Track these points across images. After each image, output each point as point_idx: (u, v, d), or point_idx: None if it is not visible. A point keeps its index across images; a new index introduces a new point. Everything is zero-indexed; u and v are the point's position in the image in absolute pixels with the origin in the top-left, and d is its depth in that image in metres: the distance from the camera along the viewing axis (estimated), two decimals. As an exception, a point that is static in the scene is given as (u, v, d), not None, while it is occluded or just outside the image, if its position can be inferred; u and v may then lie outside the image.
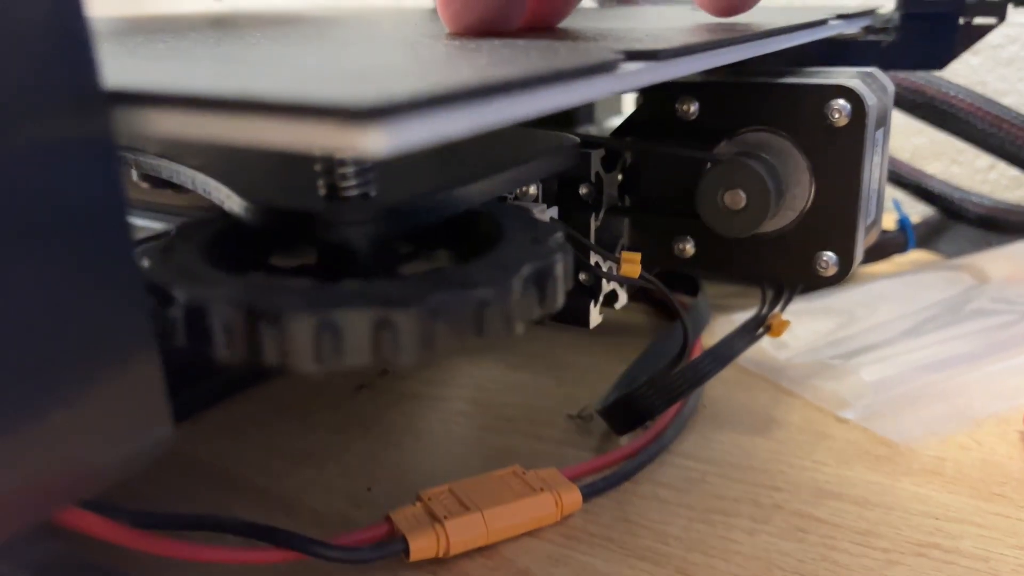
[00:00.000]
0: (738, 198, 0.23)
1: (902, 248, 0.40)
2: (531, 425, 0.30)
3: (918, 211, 0.45)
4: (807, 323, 0.35)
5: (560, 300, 0.16)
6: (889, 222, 0.40)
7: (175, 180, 0.22)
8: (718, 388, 0.32)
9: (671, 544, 0.23)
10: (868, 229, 0.25)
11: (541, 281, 0.16)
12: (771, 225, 0.25)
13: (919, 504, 0.24)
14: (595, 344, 0.36)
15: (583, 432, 0.29)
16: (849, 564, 0.22)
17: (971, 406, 0.29)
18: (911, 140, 0.57)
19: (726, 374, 0.32)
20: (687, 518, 0.24)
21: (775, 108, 0.24)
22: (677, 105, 0.25)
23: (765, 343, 0.33)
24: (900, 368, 0.30)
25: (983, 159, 0.55)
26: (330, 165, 0.18)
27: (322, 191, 0.18)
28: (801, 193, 0.24)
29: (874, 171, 0.25)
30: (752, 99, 0.24)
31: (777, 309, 0.27)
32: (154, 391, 0.12)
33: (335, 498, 0.26)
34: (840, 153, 0.23)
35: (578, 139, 0.24)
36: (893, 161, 0.42)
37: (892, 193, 0.42)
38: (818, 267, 0.24)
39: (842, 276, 0.24)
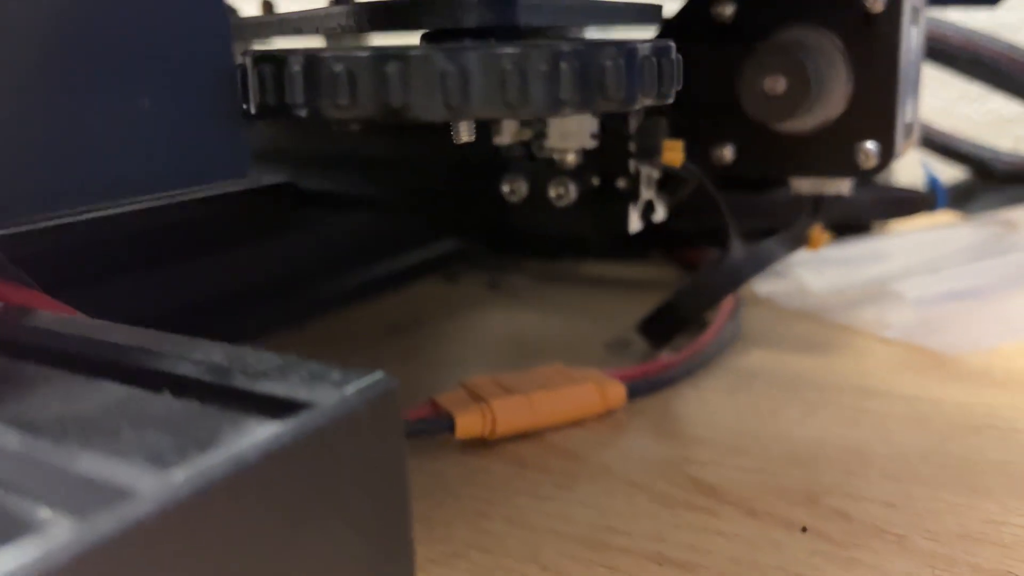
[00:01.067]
0: (779, 83, 0.23)
1: (932, 206, 0.40)
2: (569, 352, 0.29)
3: (948, 175, 0.45)
4: (837, 271, 0.34)
5: (675, 85, 0.17)
6: (918, 182, 0.40)
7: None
8: (755, 322, 0.31)
9: (719, 431, 0.23)
10: (906, 130, 0.26)
11: (661, 58, 0.16)
12: (811, 120, 0.25)
13: (971, 398, 0.24)
14: (629, 295, 0.35)
15: (621, 356, 0.29)
16: (904, 443, 0.21)
17: (1017, 321, 0.28)
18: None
19: (762, 311, 0.32)
20: (735, 412, 0.24)
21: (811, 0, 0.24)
22: (713, 9, 0.25)
23: (799, 280, 0.33)
24: (941, 289, 0.30)
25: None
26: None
27: None
28: (839, 87, 0.24)
29: (910, 67, 0.25)
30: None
31: (816, 220, 0.27)
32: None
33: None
34: (877, 41, 0.24)
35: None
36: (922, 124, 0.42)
37: (919, 156, 0.42)
38: (860, 157, 0.24)
39: (883, 166, 0.24)
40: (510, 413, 0.22)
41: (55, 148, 0.11)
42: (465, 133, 0.19)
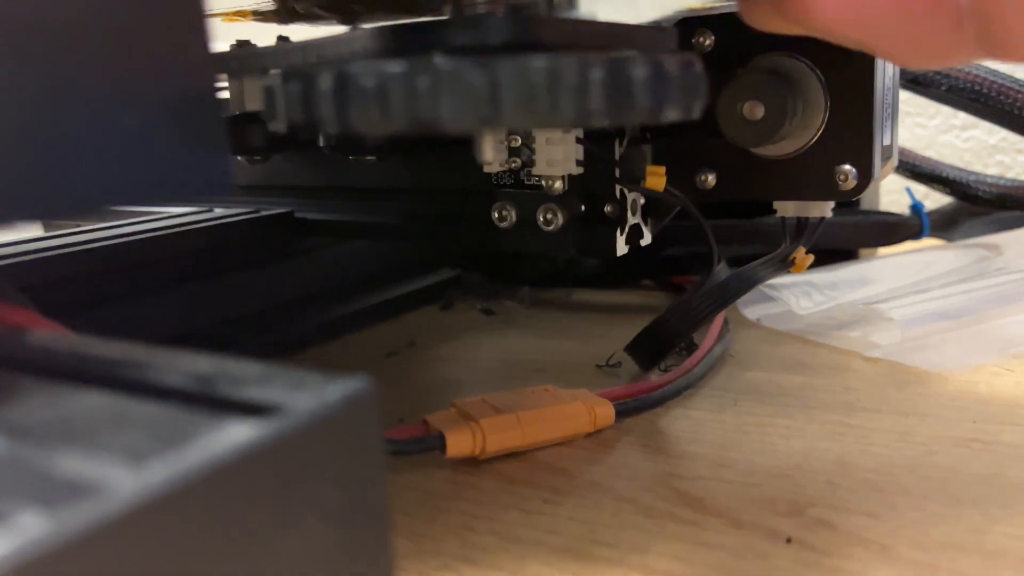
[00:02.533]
0: (757, 109, 0.24)
1: (916, 234, 0.41)
2: (561, 373, 0.30)
3: (932, 201, 0.45)
4: (824, 294, 0.35)
5: (701, 98, 0.17)
6: (902, 209, 0.41)
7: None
8: (742, 342, 0.32)
9: (706, 447, 0.23)
10: (884, 155, 0.26)
11: (687, 71, 0.16)
12: (790, 146, 0.25)
13: (955, 412, 0.24)
14: (621, 321, 0.36)
15: (612, 377, 0.29)
16: (889, 455, 0.22)
17: (1002, 341, 0.29)
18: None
19: (751, 333, 0.33)
20: (721, 429, 0.24)
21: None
22: (694, 39, 0.26)
23: (784, 304, 0.33)
24: (926, 309, 0.30)
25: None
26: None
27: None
28: (816, 111, 0.25)
29: (886, 92, 0.26)
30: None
31: (800, 244, 0.28)
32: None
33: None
34: (852, 66, 0.24)
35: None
36: (905, 152, 0.43)
37: (905, 183, 0.43)
38: (838, 180, 0.25)
39: (861, 189, 0.25)
40: (500, 432, 0.22)
41: (32, 156, 0.12)
42: (489, 151, 0.19)
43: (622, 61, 0.15)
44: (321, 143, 0.29)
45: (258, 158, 0.31)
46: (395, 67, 0.15)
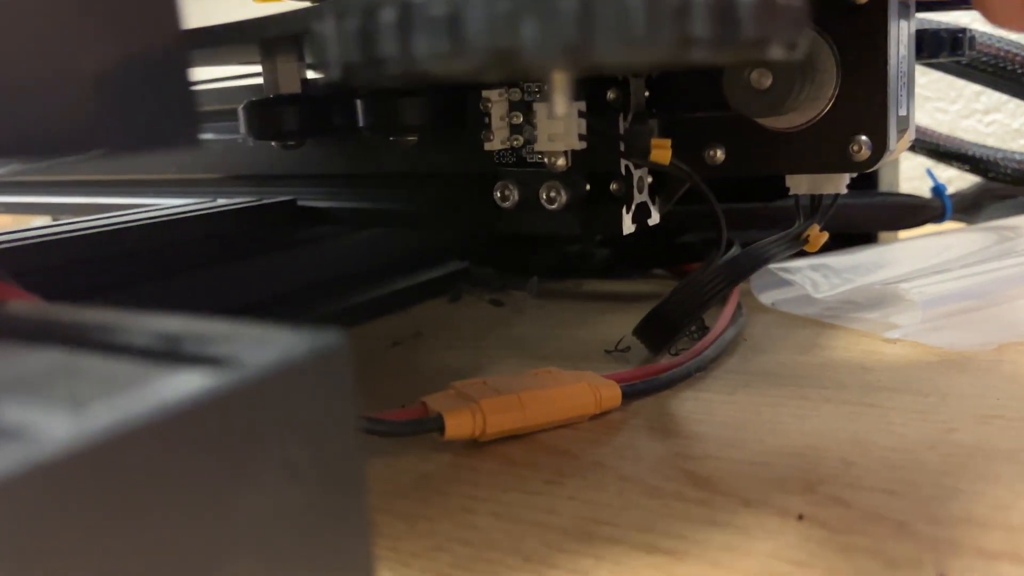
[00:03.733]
0: (765, 78, 0.23)
1: (938, 216, 0.40)
2: (568, 360, 0.29)
3: (953, 187, 0.44)
4: (841, 277, 0.34)
5: (804, 30, 0.15)
6: (924, 191, 0.40)
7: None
8: (757, 327, 0.31)
9: (715, 428, 0.22)
10: (900, 126, 0.25)
11: None
12: (800, 117, 0.25)
13: (978, 391, 0.23)
14: (631, 309, 0.35)
15: (621, 362, 0.28)
16: (908, 434, 0.21)
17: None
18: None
19: (765, 316, 0.32)
20: (732, 410, 0.23)
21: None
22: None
23: (799, 288, 0.32)
24: (947, 290, 0.29)
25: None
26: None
27: None
28: (828, 80, 0.24)
29: (901, 60, 0.25)
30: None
31: (814, 221, 0.27)
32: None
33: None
34: (864, 32, 0.23)
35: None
36: (927, 131, 0.42)
37: (925, 167, 0.42)
38: (852, 151, 0.24)
39: (876, 159, 0.24)
40: (500, 413, 0.22)
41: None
42: (561, 103, 0.18)
43: None
44: (361, 123, 0.28)
45: (291, 143, 0.30)
46: None
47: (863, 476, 0.19)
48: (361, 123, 0.28)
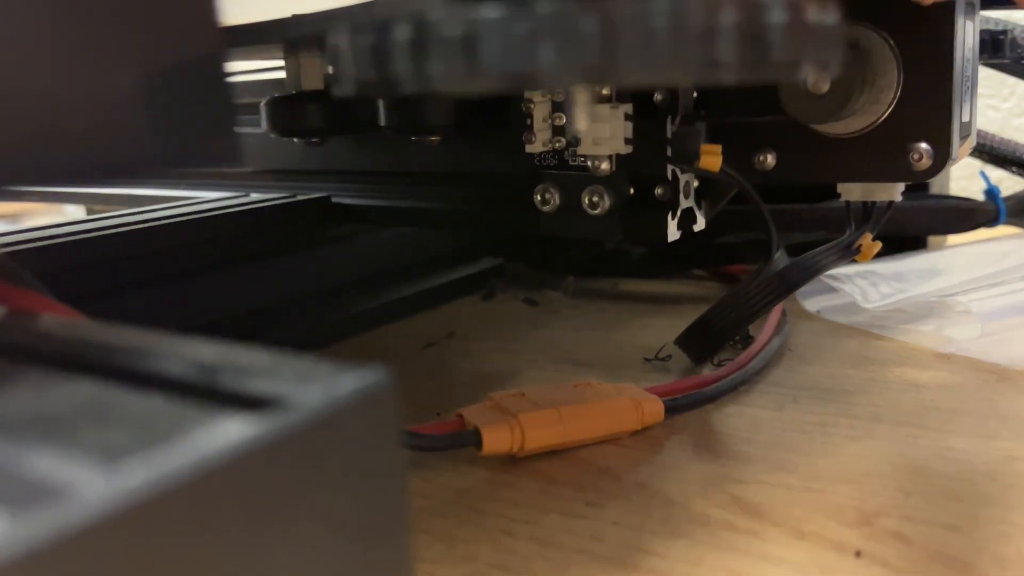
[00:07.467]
0: (822, 82, 0.22)
1: (992, 219, 0.38)
2: (606, 367, 0.28)
3: (1006, 188, 0.42)
4: (891, 285, 0.33)
5: (837, 52, 0.14)
6: (971, 191, 0.38)
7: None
8: (802, 335, 0.30)
9: (764, 448, 0.21)
10: (962, 132, 0.24)
11: (824, 19, 0.13)
12: (858, 122, 0.23)
13: (1041, 414, 0.22)
14: (670, 312, 0.34)
15: (661, 371, 0.28)
16: (969, 461, 0.20)
17: (1088, 336, 0.26)
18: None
19: (812, 326, 0.31)
20: (780, 429, 0.22)
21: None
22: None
23: (846, 295, 0.31)
24: (1006, 304, 0.28)
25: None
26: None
27: None
28: (888, 84, 0.23)
29: (965, 63, 0.23)
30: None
31: (867, 230, 0.26)
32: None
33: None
34: (929, 34, 0.22)
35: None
36: (982, 134, 0.40)
37: (977, 167, 0.40)
38: (912, 159, 0.23)
39: (938, 169, 0.23)
40: (540, 428, 0.21)
41: (41, 121, 0.10)
42: (582, 119, 0.17)
43: (757, 3, 0.13)
44: (383, 121, 0.28)
45: (315, 140, 0.30)
46: (485, 12, 0.13)
47: (922, 508, 0.18)
48: (383, 122, 0.27)
